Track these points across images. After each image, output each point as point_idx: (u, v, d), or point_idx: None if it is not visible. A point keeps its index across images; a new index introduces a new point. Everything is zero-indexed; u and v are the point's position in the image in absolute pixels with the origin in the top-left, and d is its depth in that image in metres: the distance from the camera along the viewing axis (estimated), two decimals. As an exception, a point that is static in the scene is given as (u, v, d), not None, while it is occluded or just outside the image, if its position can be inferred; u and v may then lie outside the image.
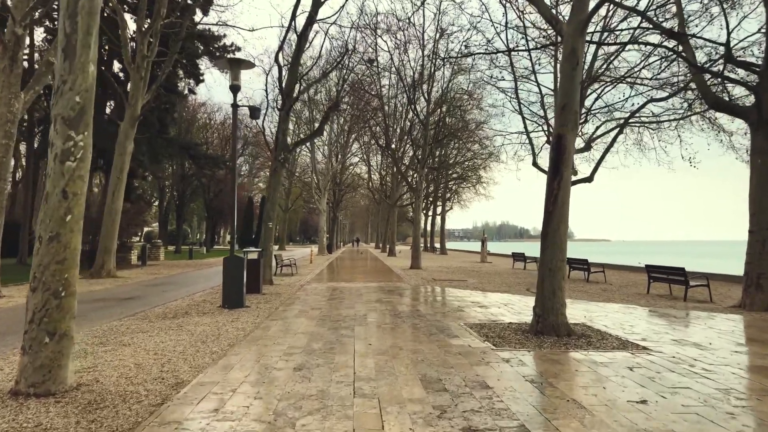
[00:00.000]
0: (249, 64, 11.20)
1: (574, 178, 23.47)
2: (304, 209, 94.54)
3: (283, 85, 15.59)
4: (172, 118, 39.79)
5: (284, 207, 66.45)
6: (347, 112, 40.26)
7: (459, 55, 15.65)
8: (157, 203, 57.15)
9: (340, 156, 48.63)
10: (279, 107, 15.57)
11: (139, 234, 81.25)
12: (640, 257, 46.09)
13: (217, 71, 36.26)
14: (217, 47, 33.81)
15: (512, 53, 17.46)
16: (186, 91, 35.19)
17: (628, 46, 20.14)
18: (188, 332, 8.04)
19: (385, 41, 23.99)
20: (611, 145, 21.43)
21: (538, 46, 17.26)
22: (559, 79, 8.16)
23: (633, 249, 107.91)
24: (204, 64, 34.86)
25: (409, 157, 32.16)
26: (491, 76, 22.58)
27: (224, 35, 33.79)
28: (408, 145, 29.95)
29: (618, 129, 21.80)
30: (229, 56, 30.00)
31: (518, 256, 26.72)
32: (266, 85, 16.15)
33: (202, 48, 33.70)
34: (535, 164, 23.04)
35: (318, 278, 18.86)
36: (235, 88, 11.15)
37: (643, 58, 16.77)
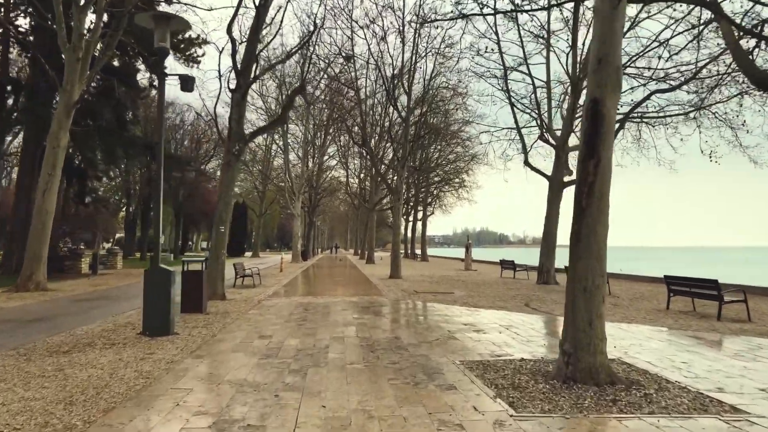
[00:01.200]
0: (182, 23, 8.76)
1: (571, 178, 21.43)
2: (282, 215, 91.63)
3: (238, 62, 13.13)
4: (134, 116, 37.02)
5: (258, 212, 63.59)
6: (323, 112, 37.95)
7: (449, 18, 13.38)
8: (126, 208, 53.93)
9: (316, 157, 46.14)
10: (233, 89, 13.10)
11: (111, 240, 77.60)
12: (623, 264, 44.52)
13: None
14: (176, 35, 31.15)
15: (512, 19, 15.26)
16: (147, 85, 32.36)
17: (630, 33, 18.18)
18: (62, 380, 5.53)
19: (362, 28, 21.61)
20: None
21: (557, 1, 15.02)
22: (593, 25, 5.72)
23: (621, 255, 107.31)
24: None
25: (388, 159, 29.90)
26: (476, 55, 20.26)
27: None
28: (387, 144, 27.70)
29: (618, 125, 19.79)
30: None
31: (507, 264, 24.54)
32: (219, 65, 13.69)
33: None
34: (527, 163, 20.94)
35: (283, 291, 16.35)
36: (162, 52, 8.71)
37: (672, 24, 14.59)
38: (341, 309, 11.75)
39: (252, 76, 13.71)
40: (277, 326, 9.24)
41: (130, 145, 31.44)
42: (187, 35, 31.01)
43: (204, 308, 10.85)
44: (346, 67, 23.35)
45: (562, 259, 20.26)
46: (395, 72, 21.92)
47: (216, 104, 13.82)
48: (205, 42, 32.57)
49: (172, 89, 62.30)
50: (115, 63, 29.18)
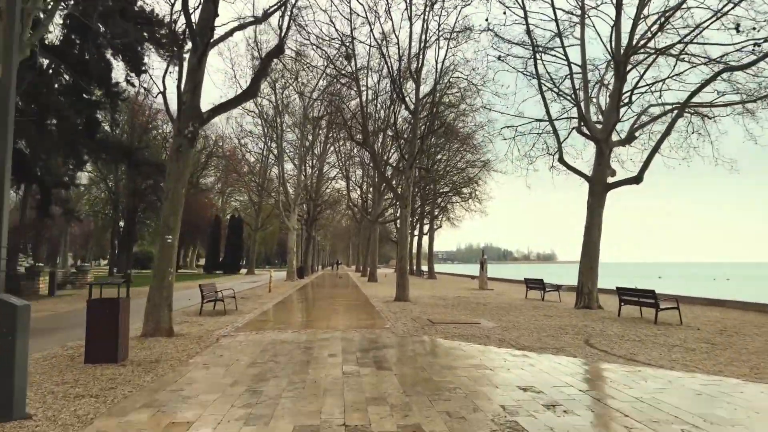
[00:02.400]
0: None
1: (616, 179, 17.81)
2: (282, 229, 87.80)
3: (193, 15, 9.67)
4: (113, 118, 33.77)
5: (254, 226, 60.05)
6: (321, 112, 34.57)
7: None
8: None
9: (315, 165, 42.74)
10: (187, 50, 9.63)
11: (104, 258, 73.45)
12: (635, 281, 40.88)
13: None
14: (163, 34, 28.02)
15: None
16: (124, 83, 29.06)
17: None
18: None
19: (362, 4, 18.28)
20: (667, 132, 15.84)
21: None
22: None
23: (625, 272, 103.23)
24: (149, 54, 29.06)
25: (394, 160, 26.39)
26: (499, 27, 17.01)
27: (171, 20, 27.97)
28: (392, 150, 24.23)
29: (676, 111, 16.25)
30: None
31: (533, 284, 20.82)
32: (171, 17, 10.29)
33: (142, 31, 27.89)
34: (561, 161, 17.35)
35: (260, 320, 12.69)
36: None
37: None
38: (328, 354, 8.09)
39: (214, 35, 10.24)
40: (215, 395, 5.59)
41: (102, 150, 28.11)
42: None
43: (120, 356, 7.21)
44: (344, 56, 20.01)
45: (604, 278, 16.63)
46: (402, 57, 18.50)
47: (165, 73, 10.33)
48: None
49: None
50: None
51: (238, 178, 52.26)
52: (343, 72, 19.69)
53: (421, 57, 18.64)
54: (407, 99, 19.30)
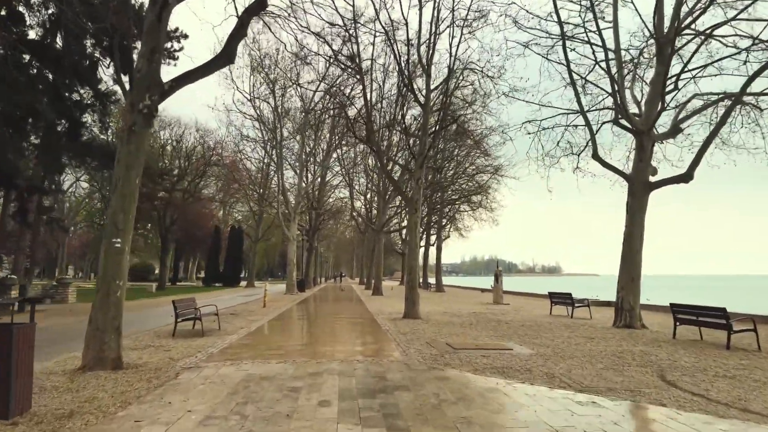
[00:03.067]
0: None
1: (661, 176, 15.51)
2: (285, 242, 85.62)
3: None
4: (102, 122, 31.79)
5: (254, 237, 57.87)
6: (323, 116, 32.52)
7: None
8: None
9: (317, 170, 40.63)
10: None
11: (67, 268, 71.04)
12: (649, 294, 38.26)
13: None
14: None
15: None
16: (113, 83, 27.08)
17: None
18: None
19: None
20: (722, 123, 13.59)
21: None
22: None
23: (658, 284, 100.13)
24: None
25: (401, 158, 24.16)
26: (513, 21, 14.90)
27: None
28: (399, 142, 22.04)
29: (730, 100, 14.01)
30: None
31: (559, 298, 18.46)
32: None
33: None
34: (596, 157, 15.12)
35: (242, 345, 10.41)
36: None
37: None
38: (318, 400, 5.80)
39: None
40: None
41: (86, 153, 26.08)
42: None
43: (14, 408, 4.95)
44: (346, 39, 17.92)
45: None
46: (411, 43, 16.39)
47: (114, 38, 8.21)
48: (185, 36, 27.85)
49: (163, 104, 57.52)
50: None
51: (238, 188, 50.17)
52: (346, 61, 17.57)
53: (431, 44, 16.53)
54: (416, 91, 17.16)
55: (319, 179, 43.14)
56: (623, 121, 14.73)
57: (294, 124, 36.58)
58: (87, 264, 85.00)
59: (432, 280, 49.29)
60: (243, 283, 58.82)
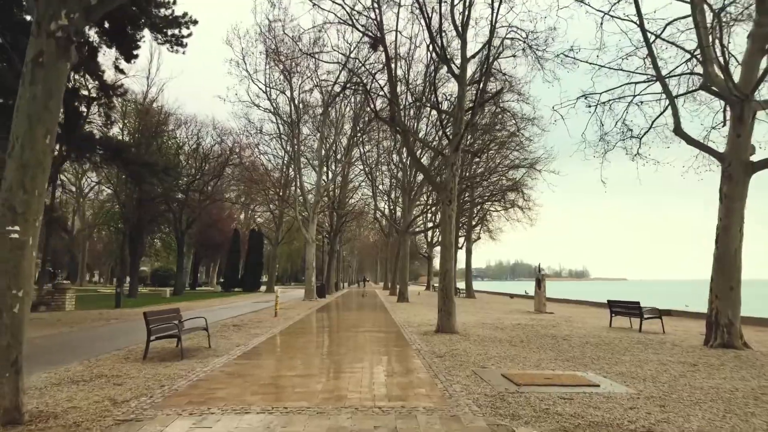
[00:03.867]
0: None
1: (758, 157, 12.39)
2: (318, 249, 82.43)
3: None
4: (107, 115, 29.84)
5: (274, 240, 55.75)
6: (345, 111, 29.97)
7: None
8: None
9: (337, 169, 38.10)
10: None
11: (59, 271, 70.00)
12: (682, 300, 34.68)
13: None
14: (162, 17, 24.08)
15: None
16: (115, 71, 24.98)
17: None
18: None
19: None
20: None
21: None
22: None
23: (664, 289, 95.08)
24: (144, 37, 24.98)
25: (432, 138, 21.31)
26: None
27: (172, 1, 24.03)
28: (427, 125, 19.21)
29: None
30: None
31: (621, 308, 15.40)
32: None
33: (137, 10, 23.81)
34: (679, 132, 12.11)
35: (225, 375, 7.76)
36: None
37: None
38: None
39: None
40: None
41: (86, 146, 24.00)
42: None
43: None
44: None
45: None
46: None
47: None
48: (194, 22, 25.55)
49: (172, 99, 55.88)
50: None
51: (258, 189, 47.81)
52: (366, 29, 14.92)
53: (467, 4, 13.75)
54: (449, 59, 14.39)
55: (340, 178, 40.57)
56: (714, 87, 11.70)
57: (314, 122, 34.22)
58: (108, 269, 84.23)
59: (461, 285, 46.27)
60: (264, 288, 56.68)
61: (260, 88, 30.88)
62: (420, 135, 23.06)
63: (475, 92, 13.87)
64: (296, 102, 30.42)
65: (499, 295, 47.40)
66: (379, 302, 29.84)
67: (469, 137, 19.75)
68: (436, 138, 24.56)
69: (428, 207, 35.42)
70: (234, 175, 49.60)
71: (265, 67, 29.72)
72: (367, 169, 35.74)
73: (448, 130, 14.74)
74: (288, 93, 30.11)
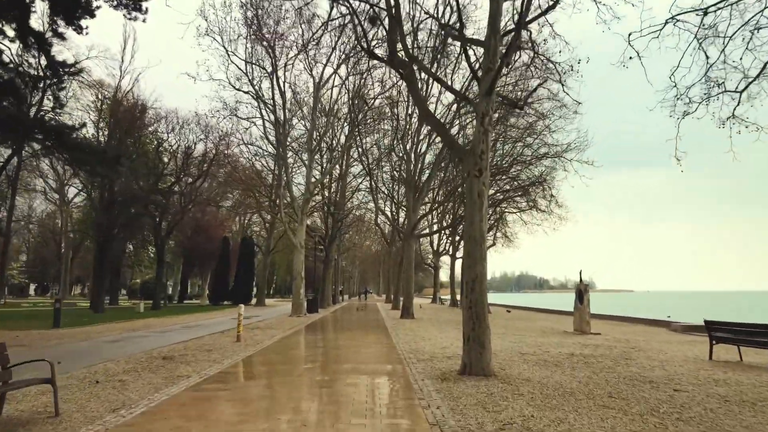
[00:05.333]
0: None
1: None
2: (309, 256, 77.34)
3: None
4: (56, 98, 25.44)
5: (265, 249, 51.00)
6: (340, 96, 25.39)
7: None
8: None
9: (333, 156, 33.40)
10: None
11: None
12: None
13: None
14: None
15: None
16: (53, 36, 20.36)
17: None
18: None
19: None
20: None
21: None
22: None
23: (671, 301, 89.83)
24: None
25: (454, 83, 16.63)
26: None
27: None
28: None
29: None
30: None
31: (726, 331, 10.55)
32: None
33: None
34: None
35: None
36: None
37: None
38: None
39: None
40: None
41: (14, 128, 19.36)
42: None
43: None
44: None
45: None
46: None
47: None
48: None
49: (148, 90, 52.02)
50: None
51: (244, 188, 42.73)
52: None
53: None
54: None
55: (336, 173, 35.86)
56: None
57: (302, 109, 29.68)
58: (88, 279, 79.09)
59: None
60: (254, 301, 51.75)
61: (241, 70, 26.14)
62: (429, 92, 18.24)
63: (518, 7, 9.15)
64: (279, 80, 25.81)
65: (514, 309, 42.45)
66: (379, 318, 24.93)
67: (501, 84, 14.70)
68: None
69: (436, 205, 30.55)
70: (219, 174, 44.60)
71: (247, 39, 25.11)
72: (364, 160, 30.99)
73: (476, 68, 9.98)
74: (269, 67, 25.50)
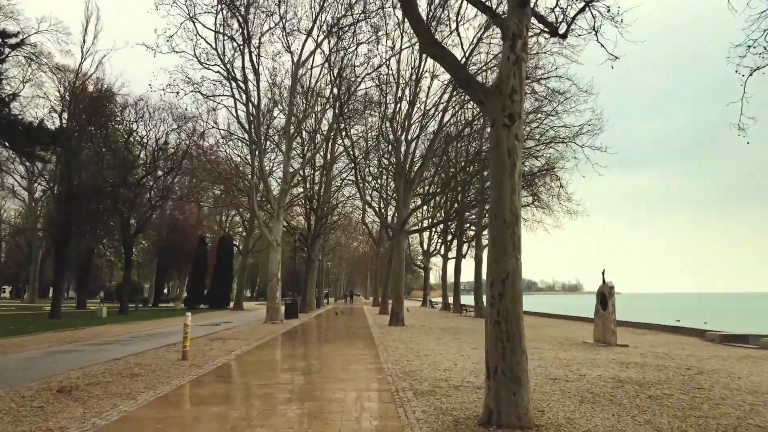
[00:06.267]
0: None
1: None
2: (298, 258, 73.18)
3: None
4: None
5: (244, 249, 47.72)
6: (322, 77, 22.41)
7: None
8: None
9: (314, 148, 30.34)
10: None
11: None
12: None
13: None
14: None
15: None
16: None
17: None
18: None
19: None
20: None
21: None
22: None
23: (658, 303, 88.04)
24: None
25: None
26: None
27: None
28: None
29: None
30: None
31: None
32: None
33: None
34: None
35: None
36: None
37: None
38: None
39: None
40: None
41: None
42: None
43: None
44: None
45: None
46: None
47: None
48: None
49: (115, 74, 47.81)
50: None
51: (215, 180, 39.16)
52: None
53: None
54: None
55: (319, 162, 32.80)
56: None
57: (278, 88, 26.68)
58: (68, 281, 74.74)
59: (467, 301, 38.48)
60: (232, 305, 48.38)
61: (209, 44, 22.97)
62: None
63: None
64: (253, 54, 22.70)
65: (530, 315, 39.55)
66: (364, 326, 21.89)
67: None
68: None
69: (428, 197, 27.56)
70: (195, 167, 41.02)
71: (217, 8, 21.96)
72: (350, 151, 27.95)
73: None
74: (240, 38, 22.40)
